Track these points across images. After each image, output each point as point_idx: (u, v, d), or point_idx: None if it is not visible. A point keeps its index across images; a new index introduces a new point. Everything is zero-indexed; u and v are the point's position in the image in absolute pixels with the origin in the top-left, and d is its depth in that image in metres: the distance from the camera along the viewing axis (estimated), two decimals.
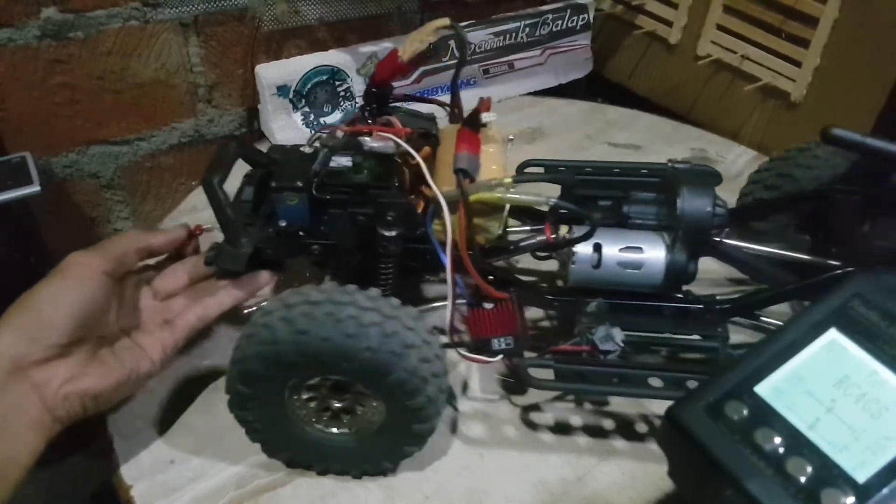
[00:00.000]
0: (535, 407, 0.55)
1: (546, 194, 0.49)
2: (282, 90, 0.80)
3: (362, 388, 0.46)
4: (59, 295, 0.45)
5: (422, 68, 0.88)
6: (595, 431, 0.54)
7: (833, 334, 0.35)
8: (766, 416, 0.34)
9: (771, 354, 0.36)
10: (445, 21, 0.54)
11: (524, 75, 0.99)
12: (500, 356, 0.49)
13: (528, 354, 0.50)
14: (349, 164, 0.51)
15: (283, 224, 0.51)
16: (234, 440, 0.50)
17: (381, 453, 0.49)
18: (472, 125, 0.54)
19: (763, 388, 0.35)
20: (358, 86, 0.85)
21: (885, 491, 0.30)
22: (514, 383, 0.57)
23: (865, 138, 0.54)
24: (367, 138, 0.51)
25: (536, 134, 0.91)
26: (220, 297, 0.51)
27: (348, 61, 0.83)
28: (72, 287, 0.46)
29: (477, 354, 0.50)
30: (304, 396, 0.47)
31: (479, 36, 0.92)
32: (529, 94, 1.00)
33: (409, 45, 0.55)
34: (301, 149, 0.53)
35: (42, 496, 0.66)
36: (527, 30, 0.95)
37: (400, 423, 0.46)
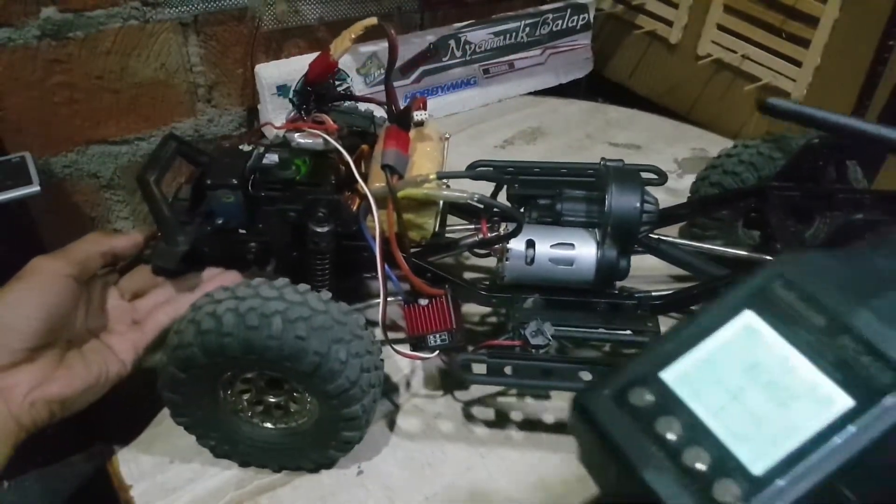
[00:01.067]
0: (477, 401, 0.56)
1: (477, 192, 0.49)
2: (282, 90, 0.80)
3: (300, 390, 0.46)
4: (23, 300, 0.44)
5: (421, 68, 0.88)
6: None
7: (748, 317, 0.32)
8: (670, 403, 0.31)
9: (681, 338, 0.33)
10: (373, 20, 0.55)
11: (524, 75, 0.99)
12: (437, 352, 0.51)
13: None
14: (277, 160, 0.51)
15: (220, 222, 0.51)
16: None
17: (306, 453, 0.49)
18: (401, 123, 0.54)
19: (669, 375, 0.32)
20: (358, 85, 0.85)
21: (779, 483, 0.28)
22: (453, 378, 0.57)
23: (802, 107, 0.54)
24: (295, 135, 0.51)
25: (536, 134, 0.91)
26: (191, 297, 0.50)
27: (348, 61, 0.83)
28: (35, 291, 0.45)
29: (414, 351, 0.51)
30: (239, 388, 0.47)
31: (479, 36, 0.91)
32: (529, 93, 1.00)
33: (340, 42, 0.55)
34: (240, 147, 0.53)
35: (42, 496, 0.66)
36: (527, 29, 0.95)
37: (331, 427, 0.46)
